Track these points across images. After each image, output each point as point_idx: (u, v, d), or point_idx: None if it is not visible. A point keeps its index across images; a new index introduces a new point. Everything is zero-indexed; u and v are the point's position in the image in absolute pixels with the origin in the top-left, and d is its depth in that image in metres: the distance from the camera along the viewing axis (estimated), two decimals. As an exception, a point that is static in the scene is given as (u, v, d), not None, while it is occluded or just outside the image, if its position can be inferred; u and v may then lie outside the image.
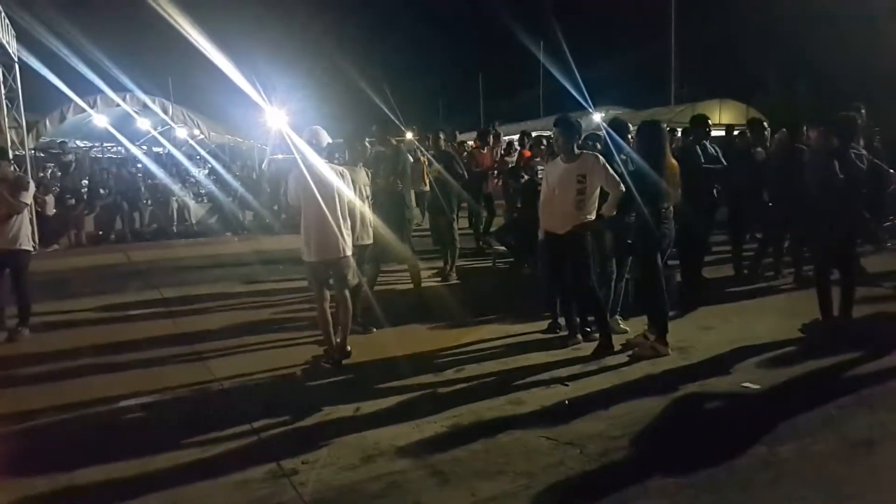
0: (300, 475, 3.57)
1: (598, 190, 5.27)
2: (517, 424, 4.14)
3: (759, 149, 8.48)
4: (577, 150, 5.35)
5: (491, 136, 11.99)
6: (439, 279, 8.49)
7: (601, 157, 5.28)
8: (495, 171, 11.14)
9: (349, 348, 5.47)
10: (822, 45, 26.93)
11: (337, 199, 5.29)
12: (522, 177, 7.87)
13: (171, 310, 7.38)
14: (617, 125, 6.00)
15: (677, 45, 25.50)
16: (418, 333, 6.22)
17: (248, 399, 4.74)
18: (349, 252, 5.39)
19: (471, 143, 12.52)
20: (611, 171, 5.16)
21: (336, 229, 5.27)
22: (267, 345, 5.97)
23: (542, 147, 9.87)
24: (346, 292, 5.47)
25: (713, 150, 7.63)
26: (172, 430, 4.20)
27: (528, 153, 10.42)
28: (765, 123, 9.67)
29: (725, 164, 7.66)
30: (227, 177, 15.51)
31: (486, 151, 11.39)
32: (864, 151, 5.67)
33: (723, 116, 20.61)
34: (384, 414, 4.35)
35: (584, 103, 23.25)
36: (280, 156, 15.03)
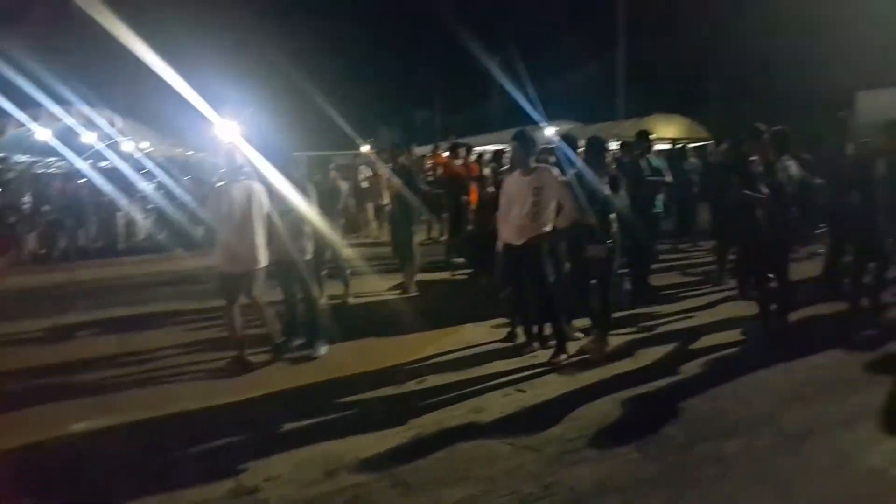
0: (263, 492, 3.61)
1: (555, 202, 5.45)
2: (478, 431, 4.27)
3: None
4: (533, 164, 5.54)
5: (463, 149, 12.11)
6: (399, 292, 8.57)
7: (556, 171, 5.48)
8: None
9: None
10: (762, 60, 28.10)
11: (248, 214, 5.58)
12: (487, 189, 8.03)
13: (123, 330, 7.21)
14: (568, 140, 6.22)
15: (625, 61, 26.21)
16: (379, 346, 6.29)
17: (206, 418, 4.71)
18: (258, 266, 5.66)
19: (444, 154, 12.60)
20: (564, 184, 5.35)
21: (246, 243, 5.57)
22: (223, 362, 5.93)
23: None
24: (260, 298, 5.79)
25: (658, 164, 7.99)
26: (129, 453, 4.18)
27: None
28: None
29: (670, 177, 8.03)
30: (177, 190, 15.25)
31: (459, 163, 11.48)
32: (793, 163, 6.01)
33: (667, 130, 21.21)
34: (346, 427, 4.40)
35: (536, 117, 23.67)
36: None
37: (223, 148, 6.05)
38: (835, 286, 7.01)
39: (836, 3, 21.79)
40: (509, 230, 5.65)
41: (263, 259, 5.72)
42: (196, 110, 13.65)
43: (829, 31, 23.03)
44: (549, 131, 21.56)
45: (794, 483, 3.44)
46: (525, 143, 5.53)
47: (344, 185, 8.39)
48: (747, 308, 6.66)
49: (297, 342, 6.18)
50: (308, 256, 6.07)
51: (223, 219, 5.58)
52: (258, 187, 5.74)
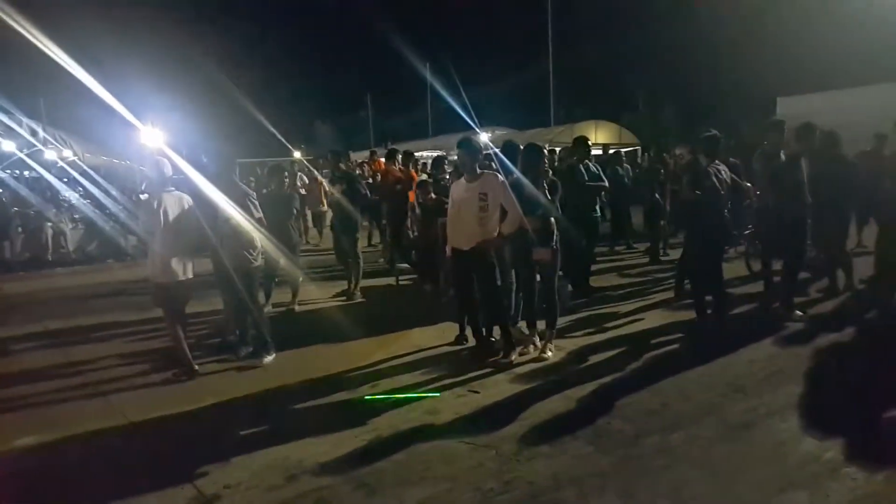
0: (223, 500, 3.60)
1: (500, 208, 5.60)
2: (434, 432, 4.35)
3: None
4: (479, 170, 5.68)
5: (400, 154, 12.13)
6: (344, 299, 8.57)
7: (500, 176, 5.63)
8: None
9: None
10: (687, 69, 29.32)
11: (179, 224, 5.56)
12: (429, 195, 8.12)
13: (60, 344, 6.97)
14: (510, 147, 6.39)
15: (556, 69, 26.90)
16: (328, 352, 6.29)
17: (158, 428, 4.65)
18: (184, 277, 5.61)
19: (382, 160, 12.60)
20: (508, 190, 5.51)
21: (177, 253, 5.55)
22: (168, 372, 5.82)
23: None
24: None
25: (595, 169, 8.27)
26: (80, 467, 4.09)
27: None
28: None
29: (606, 182, 8.32)
30: (105, 200, 14.74)
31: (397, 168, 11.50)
32: (724, 167, 6.36)
33: (598, 136, 21.87)
34: (303, 432, 4.40)
35: (471, 123, 23.97)
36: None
37: (151, 156, 6.00)
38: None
39: (756, 15, 22.99)
40: (458, 235, 5.78)
41: (190, 270, 5.66)
42: (121, 118, 13.26)
43: (750, 40, 24.28)
44: (484, 137, 21.94)
45: (736, 470, 3.65)
46: (470, 150, 5.66)
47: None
48: (686, 306, 6.98)
49: (245, 350, 6.12)
50: (256, 264, 6.02)
51: (154, 229, 5.53)
52: (187, 197, 5.71)
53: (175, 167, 5.79)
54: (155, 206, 5.54)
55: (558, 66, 27.61)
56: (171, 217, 5.54)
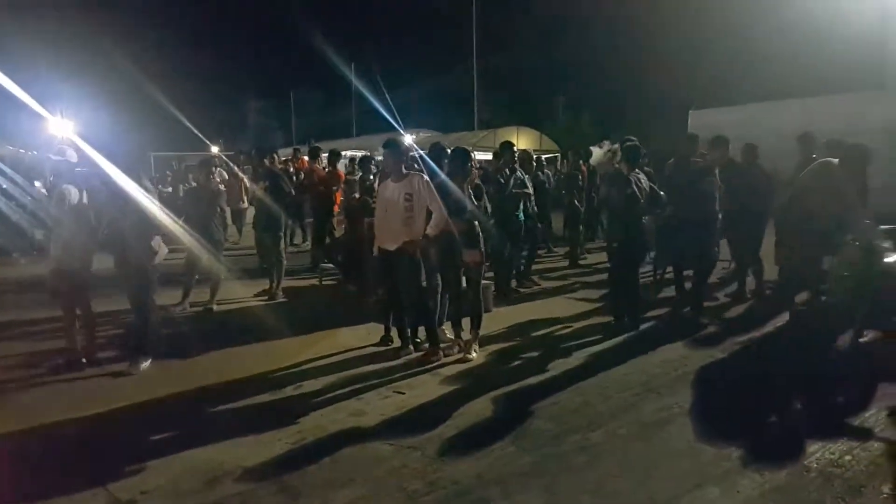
0: (138, 506, 3.47)
1: (426, 209, 5.63)
2: (360, 434, 4.32)
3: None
4: (404, 171, 5.70)
5: (325, 153, 11.96)
6: (266, 298, 8.39)
7: (426, 177, 5.67)
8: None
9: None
10: (603, 79, 30.28)
11: (79, 215, 5.55)
12: (355, 195, 8.06)
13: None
14: (437, 150, 6.44)
15: (480, 74, 27.23)
16: (250, 353, 6.15)
17: (69, 431, 4.43)
18: (83, 266, 5.62)
19: (305, 158, 12.36)
20: (434, 191, 5.55)
21: (76, 243, 5.54)
22: (79, 372, 5.55)
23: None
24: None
25: (520, 175, 8.43)
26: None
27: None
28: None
29: (531, 188, 8.50)
30: (12, 191, 13.83)
31: (321, 167, 11.34)
32: (643, 176, 6.64)
33: (520, 142, 22.27)
34: (224, 435, 4.28)
35: (394, 124, 23.97)
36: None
37: (58, 147, 5.79)
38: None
39: (670, 30, 24.02)
40: (384, 235, 5.78)
41: (91, 261, 5.68)
42: (28, 108, 12.57)
43: (665, 55, 25.34)
44: (408, 138, 21.98)
45: (652, 466, 3.80)
46: (396, 151, 5.70)
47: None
48: (607, 308, 7.22)
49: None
50: (159, 259, 5.81)
51: (60, 217, 5.46)
52: (96, 186, 5.62)
53: (83, 157, 5.59)
54: (62, 195, 5.43)
55: (483, 71, 28.01)
56: (75, 206, 5.46)
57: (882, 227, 5.75)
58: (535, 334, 6.70)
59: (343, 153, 15.43)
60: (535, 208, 9.20)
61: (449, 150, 6.25)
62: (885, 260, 5.54)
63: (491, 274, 8.74)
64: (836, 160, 6.32)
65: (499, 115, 29.42)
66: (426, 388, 5.16)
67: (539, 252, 11.88)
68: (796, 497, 3.43)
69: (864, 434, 4.12)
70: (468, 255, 5.74)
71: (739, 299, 7.86)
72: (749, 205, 7.38)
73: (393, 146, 5.74)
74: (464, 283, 6.00)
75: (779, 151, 8.74)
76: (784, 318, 6.78)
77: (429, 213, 5.63)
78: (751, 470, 3.70)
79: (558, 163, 16.19)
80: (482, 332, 6.16)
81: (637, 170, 6.59)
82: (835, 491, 3.46)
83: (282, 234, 8.72)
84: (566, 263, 10.87)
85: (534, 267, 9.55)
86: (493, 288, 7.89)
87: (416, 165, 6.53)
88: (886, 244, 5.67)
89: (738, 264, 8.07)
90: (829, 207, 5.98)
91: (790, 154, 7.83)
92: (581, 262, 10.77)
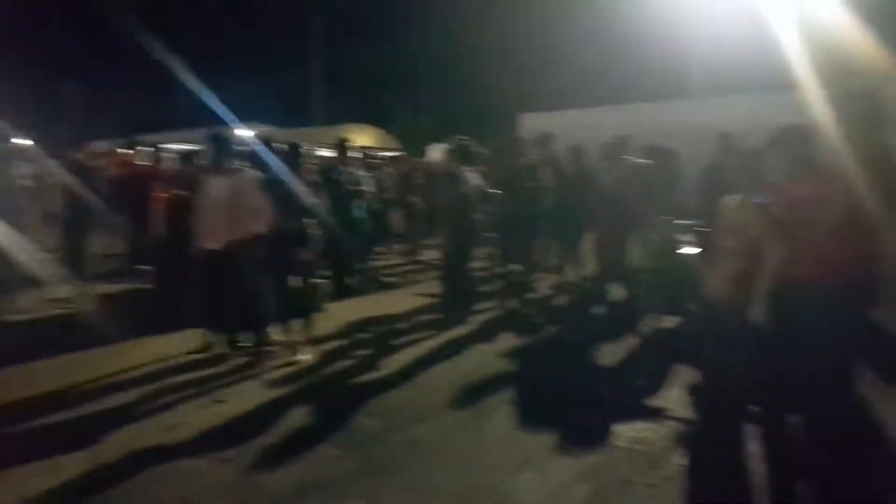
0: None
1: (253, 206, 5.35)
2: (172, 450, 4.00)
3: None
4: (230, 166, 5.39)
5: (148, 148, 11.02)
6: (73, 305, 7.61)
7: (254, 174, 5.40)
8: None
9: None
10: (442, 80, 30.88)
11: None
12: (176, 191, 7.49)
13: None
14: (264, 143, 6.17)
15: (321, 69, 26.67)
16: (49, 367, 5.49)
17: None
18: None
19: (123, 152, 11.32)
20: (259, 188, 5.30)
21: None
22: None
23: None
24: None
25: (354, 171, 8.31)
26: None
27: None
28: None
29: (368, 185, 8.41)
30: None
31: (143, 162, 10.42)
32: (474, 174, 6.78)
33: (362, 140, 22.07)
34: (15, 461, 3.79)
35: (229, 118, 22.87)
36: None
37: None
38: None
39: (505, 35, 24.99)
40: (207, 234, 5.44)
41: None
42: None
43: (496, 56, 26.33)
44: (245, 133, 21.01)
45: (476, 457, 3.87)
46: (220, 145, 5.37)
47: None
48: (441, 303, 7.29)
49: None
50: None
51: None
52: None
53: None
54: None
55: (325, 66, 27.51)
56: None
57: (677, 221, 6.25)
58: (369, 331, 6.62)
59: (170, 146, 14.46)
60: (376, 205, 9.18)
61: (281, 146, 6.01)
62: (680, 252, 6.01)
63: (327, 272, 8.60)
64: (646, 162, 6.81)
65: (343, 112, 29.01)
66: (250, 395, 4.89)
67: (378, 249, 11.91)
68: (605, 474, 3.64)
69: (663, 412, 4.48)
70: (300, 255, 5.53)
71: (563, 290, 8.24)
72: (573, 204, 7.77)
73: (216, 140, 5.41)
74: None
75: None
76: (601, 309, 7.18)
77: (255, 211, 5.35)
78: (565, 453, 3.90)
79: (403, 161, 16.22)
80: (314, 332, 5.99)
81: (469, 168, 6.70)
82: (638, 466, 3.72)
83: (92, 234, 7.97)
84: (404, 260, 10.89)
85: (373, 264, 9.49)
86: (326, 286, 7.70)
87: (251, 161, 6.21)
88: (682, 237, 6.15)
89: (563, 257, 8.49)
90: (636, 206, 6.41)
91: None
92: (419, 259, 10.84)
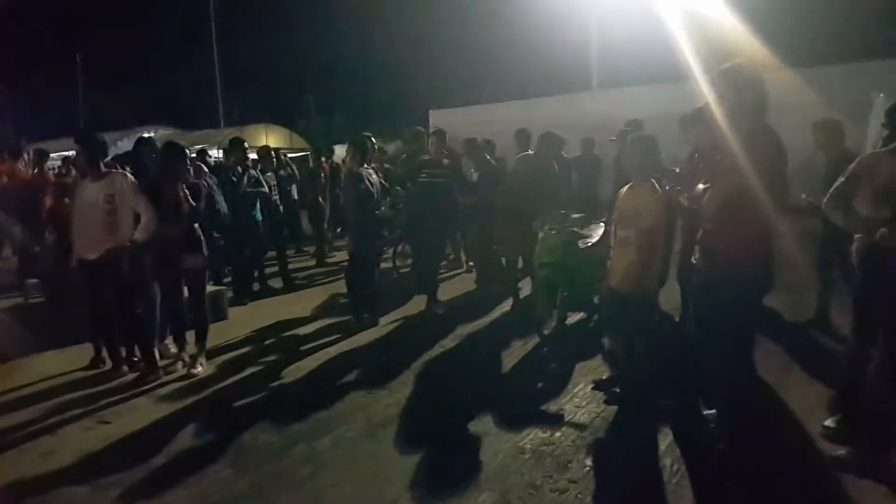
0: None
1: (132, 212, 5.02)
2: (50, 477, 3.70)
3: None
4: (104, 169, 5.04)
5: (26, 153, 10.20)
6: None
7: (130, 177, 5.06)
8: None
9: None
10: (354, 77, 30.57)
11: None
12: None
13: None
14: (145, 146, 5.83)
15: (223, 69, 25.83)
16: None
17: None
18: None
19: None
20: (139, 191, 4.97)
21: None
22: None
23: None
24: None
25: (254, 173, 8.00)
26: None
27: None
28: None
29: (267, 187, 8.10)
30: None
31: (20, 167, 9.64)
32: (373, 170, 6.62)
33: (269, 140, 21.54)
34: None
35: (130, 122, 21.85)
36: None
37: None
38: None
39: (413, 33, 24.95)
40: (83, 243, 5.08)
41: None
42: None
43: (408, 57, 26.28)
44: (145, 136, 20.08)
45: (376, 468, 3.71)
46: (91, 146, 5.02)
47: None
48: (343, 307, 7.09)
49: None
50: None
51: None
52: None
53: None
54: None
55: (229, 66, 26.65)
56: None
57: (574, 215, 6.22)
58: (271, 339, 6.35)
59: (54, 154, 13.61)
60: (280, 207, 8.87)
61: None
62: (581, 244, 6.01)
63: (228, 279, 8.25)
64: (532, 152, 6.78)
65: (250, 113, 28.18)
66: (139, 414, 4.58)
67: (287, 252, 11.56)
68: (511, 479, 3.53)
69: (570, 412, 4.38)
70: (188, 261, 5.22)
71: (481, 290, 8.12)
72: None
73: (86, 141, 5.04)
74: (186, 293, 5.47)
75: (506, 149, 9.34)
76: (507, 308, 7.11)
77: (133, 216, 5.02)
78: (470, 460, 3.76)
79: (310, 161, 15.85)
80: (212, 342, 5.70)
81: (367, 165, 6.54)
82: (545, 469, 3.62)
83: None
84: (312, 263, 10.60)
85: (276, 268, 9.17)
86: (226, 292, 7.39)
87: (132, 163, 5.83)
88: (579, 230, 6.14)
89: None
90: (526, 198, 6.33)
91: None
92: (328, 260, 10.56)
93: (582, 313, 6.48)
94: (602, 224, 6.56)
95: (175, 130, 25.14)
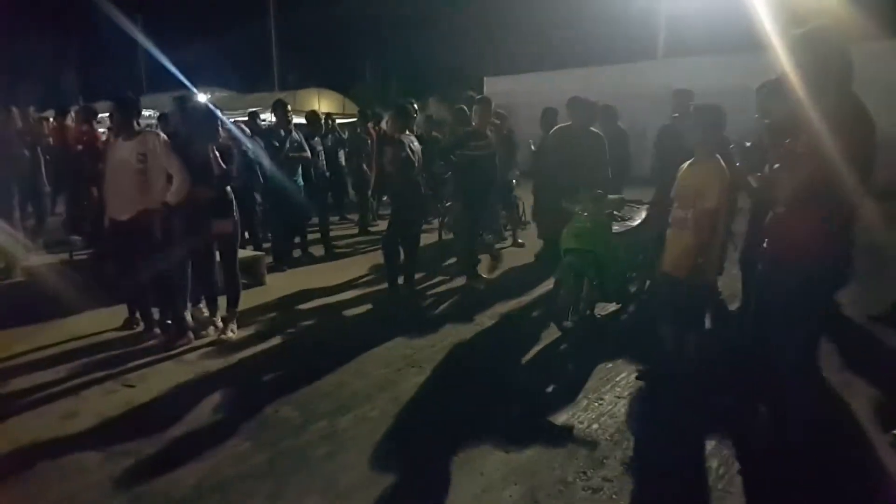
0: None
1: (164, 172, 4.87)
2: (66, 441, 3.61)
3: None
4: (137, 128, 4.90)
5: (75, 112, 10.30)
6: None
7: (163, 136, 4.90)
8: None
9: None
10: (408, 44, 30.16)
11: None
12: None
13: None
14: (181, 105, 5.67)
15: (279, 33, 25.78)
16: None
17: None
18: None
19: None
20: (172, 152, 4.81)
21: None
22: None
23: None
24: None
25: (297, 137, 7.80)
26: None
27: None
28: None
29: (308, 152, 7.89)
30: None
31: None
32: (415, 139, 6.33)
33: (322, 105, 21.47)
34: None
35: (186, 83, 21.99)
36: None
37: None
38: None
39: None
40: (115, 204, 4.97)
41: None
42: None
43: (463, 19, 25.71)
44: (202, 98, 20.26)
45: (399, 451, 3.50)
46: (124, 105, 4.87)
47: None
48: (381, 282, 6.87)
49: None
50: None
51: None
52: None
53: None
54: None
55: (285, 30, 26.58)
56: None
57: (611, 196, 5.56)
58: (305, 309, 6.19)
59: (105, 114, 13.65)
60: (326, 173, 8.72)
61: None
62: (618, 227, 5.49)
63: (269, 244, 8.14)
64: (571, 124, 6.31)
65: (303, 77, 28.16)
66: (163, 379, 4.48)
67: (331, 220, 11.42)
68: (540, 474, 3.26)
69: (612, 401, 4.06)
70: (218, 226, 5.06)
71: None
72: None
73: (120, 101, 4.91)
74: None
75: (562, 120, 8.90)
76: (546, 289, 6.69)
77: (165, 177, 4.87)
78: (499, 451, 3.48)
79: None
80: (247, 308, 5.59)
81: (409, 132, 6.25)
82: (578, 464, 3.33)
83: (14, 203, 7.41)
84: (356, 231, 10.43)
85: (320, 235, 9.04)
86: (264, 258, 7.28)
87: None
88: (614, 214, 5.58)
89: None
90: (563, 174, 5.87)
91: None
92: (372, 229, 10.36)
93: (622, 301, 5.86)
94: (644, 207, 6.08)
95: (231, 93, 25.33)
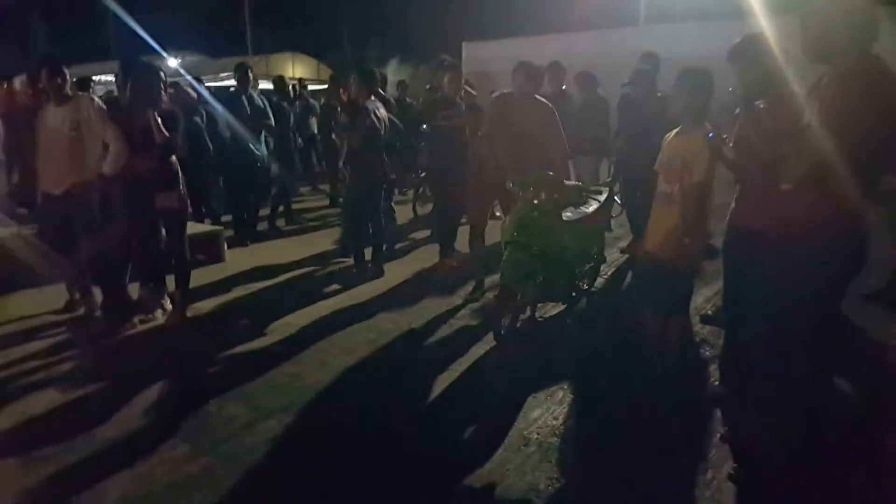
0: None
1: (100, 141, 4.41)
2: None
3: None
4: (69, 92, 4.41)
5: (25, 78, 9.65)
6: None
7: (98, 101, 4.43)
8: None
9: None
10: (385, 9, 29.30)
11: None
12: None
13: None
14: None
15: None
16: None
17: None
18: None
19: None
20: (107, 118, 4.34)
21: None
22: None
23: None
24: None
25: (260, 103, 7.31)
26: None
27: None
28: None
29: (272, 118, 7.40)
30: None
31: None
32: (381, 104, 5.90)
33: (296, 71, 20.75)
34: None
35: (155, 47, 21.16)
36: None
37: None
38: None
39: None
40: (47, 176, 4.52)
41: None
42: None
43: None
44: (172, 62, 19.49)
45: (354, 456, 3.15)
46: (54, 67, 4.38)
47: None
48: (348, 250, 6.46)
49: None
50: None
51: None
52: None
53: None
54: None
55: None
56: None
57: (568, 182, 4.76)
58: (264, 288, 5.78)
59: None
60: (296, 141, 8.26)
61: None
62: (569, 215, 4.70)
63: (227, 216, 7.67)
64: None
65: (278, 41, 27.27)
66: (99, 370, 4.07)
67: (300, 190, 10.95)
68: (508, 478, 2.92)
69: (590, 398, 3.74)
70: (162, 199, 4.59)
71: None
72: None
73: (49, 62, 4.42)
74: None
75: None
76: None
77: (107, 147, 4.41)
78: (467, 450, 3.16)
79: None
80: (201, 288, 5.24)
81: (374, 98, 5.80)
82: (551, 470, 3.00)
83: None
84: (327, 203, 9.99)
85: (293, 207, 8.63)
86: (224, 232, 6.85)
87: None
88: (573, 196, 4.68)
89: None
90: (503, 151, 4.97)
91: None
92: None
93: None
94: (604, 189, 5.40)
95: (202, 57, 24.45)
